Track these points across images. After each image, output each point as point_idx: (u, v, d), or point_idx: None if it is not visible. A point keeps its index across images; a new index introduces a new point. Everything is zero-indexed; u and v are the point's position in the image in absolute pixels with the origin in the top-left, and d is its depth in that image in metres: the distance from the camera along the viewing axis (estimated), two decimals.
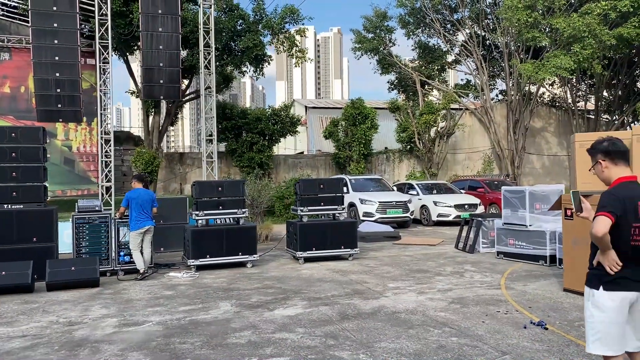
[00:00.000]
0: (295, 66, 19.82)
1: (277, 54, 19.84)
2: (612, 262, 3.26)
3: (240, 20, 18.78)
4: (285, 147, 42.65)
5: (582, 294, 7.09)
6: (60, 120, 13.39)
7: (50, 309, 7.20)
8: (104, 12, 13.93)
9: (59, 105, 12.56)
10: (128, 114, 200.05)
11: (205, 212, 10.04)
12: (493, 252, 11.08)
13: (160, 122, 20.16)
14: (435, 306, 6.87)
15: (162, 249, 12.47)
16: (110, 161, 14.19)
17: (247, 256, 10.15)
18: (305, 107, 36.17)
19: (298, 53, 19.44)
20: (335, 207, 10.82)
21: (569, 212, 7.61)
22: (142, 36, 13.39)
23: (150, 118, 20.21)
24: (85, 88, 17.72)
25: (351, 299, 7.35)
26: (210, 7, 14.78)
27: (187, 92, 20.93)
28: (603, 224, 3.16)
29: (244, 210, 10.24)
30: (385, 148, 26.62)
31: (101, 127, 14.08)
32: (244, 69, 20.15)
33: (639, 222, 3.27)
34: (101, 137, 14.17)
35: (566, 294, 7.44)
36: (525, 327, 5.83)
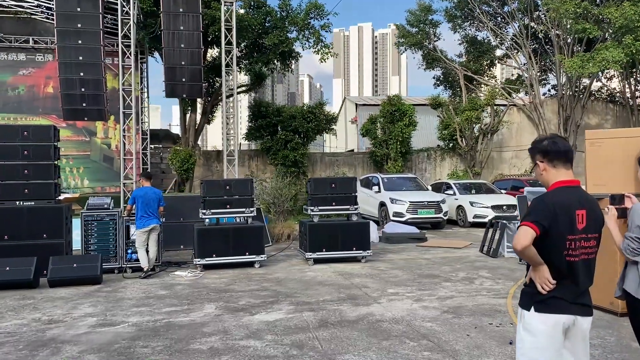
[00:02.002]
0: (320, 62, 19.51)
1: (303, 49, 19.63)
2: (543, 279, 2.80)
3: (268, 17, 18.69)
4: (336, 145, 42.31)
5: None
6: (86, 118, 13.73)
7: (41, 305, 7.27)
8: (127, 11, 14.13)
9: (84, 104, 12.86)
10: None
11: (213, 210, 9.94)
12: (517, 257, 10.40)
13: (196, 121, 20.38)
14: (425, 315, 6.42)
15: (182, 246, 12.53)
16: (132, 159, 14.40)
17: (254, 256, 9.96)
18: (356, 104, 35.61)
19: (323, 49, 19.11)
20: (348, 207, 10.45)
21: None
22: (164, 35, 13.46)
23: (187, 116, 20.46)
24: (124, 87, 18.11)
25: (341, 305, 7.01)
26: (233, 5, 14.68)
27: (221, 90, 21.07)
28: (524, 236, 2.70)
29: (251, 209, 10.07)
30: (438, 145, 25.70)
31: (123, 126, 14.32)
32: (272, 66, 20.04)
33: (575, 234, 2.79)
34: (123, 136, 14.41)
35: None
36: (510, 343, 5.31)
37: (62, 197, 13.30)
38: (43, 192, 9.45)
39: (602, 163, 6.46)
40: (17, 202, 9.33)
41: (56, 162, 9.67)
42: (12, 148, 9.32)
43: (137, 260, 9.51)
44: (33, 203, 9.36)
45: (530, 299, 2.86)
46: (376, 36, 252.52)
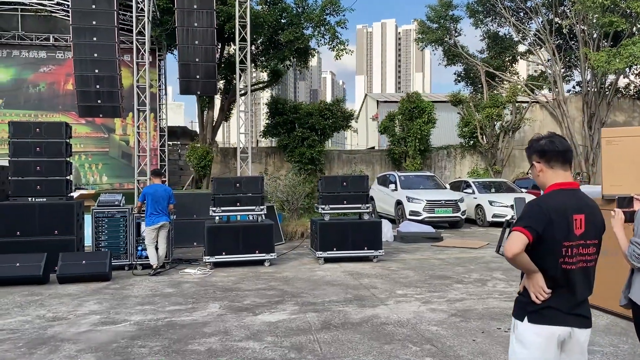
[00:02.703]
0: (336, 59, 19.34)
1: (319, 46, 19.49)
2: (537, 288, 2.61)
3: (284, 13, 18.59)
4: (357, 142, 41.96)
5: (604, 310, 6.22)
6: (101, 115, 13.81)
7: (48, 302, 7.28)
8: (142, 8, 14.15)
9: (99, 101, 12.93)
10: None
11: (223, 208, 9.88)
12: None
13: (213, 118, 20.41)
14: (432, 318, 6.24)
15: (194, 243, 12.51)
16: (146, 156, 14.46)
17: (264, 254, 9.88)
18: (377, 101, 35.32)
19: (339, 46, 18.93)
20: (359, 205, 10.29)
21: None
22: (178, 32, 13.47)
23: (205, 113, 20.50)
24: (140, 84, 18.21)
25: (346, 306, 6.87)
26: (247, 1, 14.59)
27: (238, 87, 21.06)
28: (515, 243, 2.53)
29: (261, 207, 9.98)
30: (460, 143, 25.26)
31: (137, 123, 14.38)
32: (288, 63, 19.92)
33: (572, 240, 2.59)
34: (138, 133, 14.47)
35: None
36: None
37: (77, 193, 13.42)
38: (55, 189, 9.49)
39: (619, 162, 6.19)
40: (30, 199, 9.39)
41: (68, 159, 9.72)
42: (24, 145, 9.39)
43: (147, 257, 9.51)
44: (45, 199, 9.42)
45: (524, 309, 2.68)
46: (399, 32, 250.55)
